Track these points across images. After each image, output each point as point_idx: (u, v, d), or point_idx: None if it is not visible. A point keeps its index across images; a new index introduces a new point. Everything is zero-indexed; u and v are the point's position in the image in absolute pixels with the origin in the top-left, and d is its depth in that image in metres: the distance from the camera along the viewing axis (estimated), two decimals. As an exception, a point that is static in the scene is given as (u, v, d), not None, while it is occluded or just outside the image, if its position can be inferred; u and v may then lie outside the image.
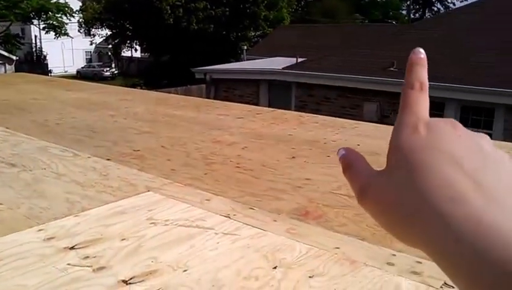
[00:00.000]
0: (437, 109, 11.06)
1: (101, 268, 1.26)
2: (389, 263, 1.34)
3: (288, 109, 11.47)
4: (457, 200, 0.33)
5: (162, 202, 1.74)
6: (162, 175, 2.10)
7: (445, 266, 0.33)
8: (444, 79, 10.51)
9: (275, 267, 1.27)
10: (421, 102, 0.41)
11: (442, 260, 0.33)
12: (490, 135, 10.19)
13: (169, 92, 14.80)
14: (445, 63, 11.15)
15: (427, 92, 0.42)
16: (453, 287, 1.21)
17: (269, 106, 12.18)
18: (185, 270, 1.25)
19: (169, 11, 26.21)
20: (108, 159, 2.35)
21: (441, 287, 1.22)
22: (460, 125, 0.39)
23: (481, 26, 12.14)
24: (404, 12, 47.76)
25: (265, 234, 1.48)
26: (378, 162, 1.70)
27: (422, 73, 0.42)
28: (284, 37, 20.94)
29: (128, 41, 32.92)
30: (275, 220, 1.61)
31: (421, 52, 0.43)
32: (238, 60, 21.23)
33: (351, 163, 0.42)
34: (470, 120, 10.75)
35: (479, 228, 0.31)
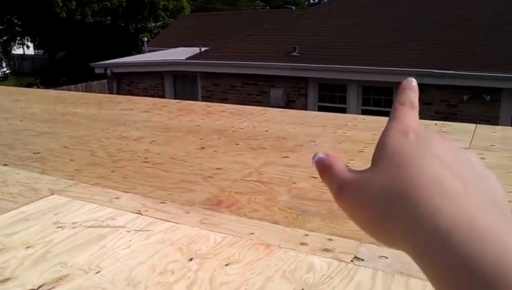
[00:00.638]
0: (340, 90, 11.58)
1: (6, 280, 1.18)
2: (302, 243, 1.38)
3: (195, 99, 11.41)
4: (448, 198, 0.32)
5: (68, 205, 1.65)
6: (66, 176, 2.00)
7: (427, 263, 0.31)
8: (343, 61, 11.01)
9: (191, 259, 1.26)
10: (411, 116, 0.41)
11: (424, 257, 0.31)
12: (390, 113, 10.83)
13: (69, 90, 14.05)
14: (342, 45, 11.67)
15: (417, 111, 0.43)
16: (362, 260, 1.28)
17: (175, 98, 12.01)
18: (97, 272, 1.20)
19: (61, 4, 24.78)
20: (5, 165, 2.19)
21: (352, 261, 1.28)
22: (449, 138, 0.39)
23: (376, 9, 12.84)
24: (304, -2, 49.26)
25: (178, 227, 1.46)
26: (286, 146, 1.76)
27: (412, 95, 0.44)
28: (185, 27, 20.68)
29: (18, 38, 30.67)
30: (188, 212, 1.59)
31: (413, 81, 0.46)
32: (140, 52, 20.65)
33: (330, 164, 0.41)
34: (371, 100, 11.38)
35: (472, 228, 0.30)
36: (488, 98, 9.85)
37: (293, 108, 10.43)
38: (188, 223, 1.49)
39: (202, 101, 10.49)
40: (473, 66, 9.88)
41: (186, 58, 12.75)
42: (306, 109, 10.97)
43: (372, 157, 0.39)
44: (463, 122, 3.19)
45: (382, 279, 1.18)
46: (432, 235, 0.30)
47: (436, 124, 2.91)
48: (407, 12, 12.56)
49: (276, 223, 1.53)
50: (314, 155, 0.43)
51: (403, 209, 0.33)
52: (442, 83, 10.08)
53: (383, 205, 0.34)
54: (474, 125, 2.81)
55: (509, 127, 3.21)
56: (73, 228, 1.47)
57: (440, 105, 10.26)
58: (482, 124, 3.08)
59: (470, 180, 0.34)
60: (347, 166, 0.40)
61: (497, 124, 8.75)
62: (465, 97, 9.99)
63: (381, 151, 0.38)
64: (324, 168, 0.41)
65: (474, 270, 0.28)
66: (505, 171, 2.01)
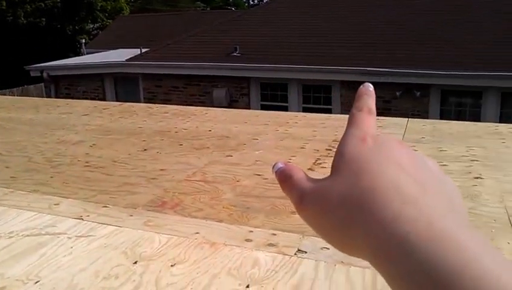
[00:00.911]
0: (281, 89, 11.73)
1: None
2: (247, 240, 1.40)
3: (138, 101, 11.19)
4: (407, 203, 0.32)
5: (4, 214, 1.59)
6: (1, 184, 1.91)
7: (387, 268, 0.31)
8: (283, 60, 11.17)
9: (135, 262, 1.25)
10: (369, 122, 0.41)
11: (385, 263, 0.31)
12: (330, 110, 11.13)
13: (4, 94, 13.39)
14: (282, 45, 11.83)
15: (375, 116, 0.43)
16: (305, 252, 1.32)
17: (117, 100, 11.74)
18: (36, 282, 1.17)
19: (-10, 5, 23.60)
20: None
21: (295, 254, 1.31)
22: (406, 144, 0.39)
23: (315, 9, 13.10)
24: (244, -1, 49.45)
25: (122, 230, 1.44)
26: (229, 145, 1.76)
27: (369, 101, 0.44)
28: (125, 28, 20.24)
29: None
30: (131, 215, 1.57)
31: (370, 86, 0.46)
32: (78, 54, 20.00)
33: (290, 174, 0.40)
34: (311, 98, 11.60)
35: (431, 232, 0.30)
36: (418, 93, 10.41)
37: (236, 108, 10.47)
38: (131, 226, 1.47)
39: (144, 103, 10.32)
40: (405, 64, 10.33)
41: (127, 60, 12.49)
42: (249, 108, 11.03)
43: (332, 165, 0.38)
44: (396, 116, 3.32)
45: (324, 269, 1.22)
46: (391, 240, 0.30)
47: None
48: (345, 12, 12.90)
49: (221, 221, 1.54)
50: (274, 165, 0.42)
51: (363, 215, 0.33)
52: (378, 81, 10.45)
53: (344, 211, 0.34)
54: (407, 119, 2.94)
55: (438, 120, 3.38)
56: (10, 237, 1.41)
57: (376, 101, 10.62)
58: (414, 118, 3.22)
59: (428, 184, 0.34)
60: (307, 175, 0.40)
61: (427, 118, 9.25)
62: (398, 93, 10.47)
63: (340, 158, 0.38)
64: (284, 178, 0.40)
65: (432, 274, 0.28)
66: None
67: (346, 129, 0.41)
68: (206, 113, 3.38)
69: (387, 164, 0.35)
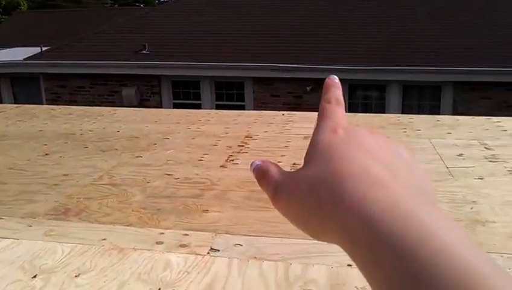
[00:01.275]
0: (194, 87, 11.61)
1: None
2: (158, 242, 1.35)
3: (40, 103, 10.55)
4: (374, 184, 0.33)
5: None
6: None
7: (355, 250, 0.32)
8: (195, 58, 11.07)
9: (35, 276, 1.16)
10: (339, 113, 0.43)
11: (357, 248, 0.32)
12: (243, 107, 11.21)
13: None
14: (193, 42, 11.73)
15: (343, 107, 0.44)
16: (218, 251, 1.30)
17: (15, 102, 10.99)
18: None
19: None
20: None
21: (208, 253, 1.29)
22: (378, 131, 0.41)
23: (227, 6, 13.10)
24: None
25: (19, 243, 1.33)
26: (139, 146, 1.67)
27: (337, 92, 0.45)
28: (23, 25, 18.98)
29: None
30: (30, 226, 1.46)
31: (335, 78, 0.47)
32: (-30, 54, 18.44)
33: (266, 169, 0.41)
34: (224, 95, 11.61)
35: (396, 210, 0.31)
36: None
37: (148, 107, 10.22)
38: (30, 238, 1.37)
39: (47, 104, 9.75)
40: (314, 60, 10.68)
41: (24, 59, 11.72)
42: (161, 107, 10.82)
43: (305, 156, 0.39)
44: (308, 111, 3.41)
45: (237, 266, 1.21)
46: (358, 221, 0.31)
47: (283, 115, 3.07)
48: (256, 10, 13.04)
49: (130, 225, 1.48)
50: (252, 163, 0.43)
51: (333, 200, 0.33)
52: (288, 76, 10.73)
53: (315, 197, 0.35)
54: (316, 113, 3.02)
55: (346, 113, 3.51)
56: None
57: (287, 97, 10.93)
58: (323, 111, 3.31)
59: (396, 168, 0.35)
60: (282, 169, 0.41)
61: None
62: (308, 88, 10.81)
63: (312, 148, 0.39)
64: (261, 174, 0.41)
65: (395, 250, 0.29)
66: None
67: (318, 122, 0.43)
68: (115, 114, 3.25)
69: (357, 150, 0.36)
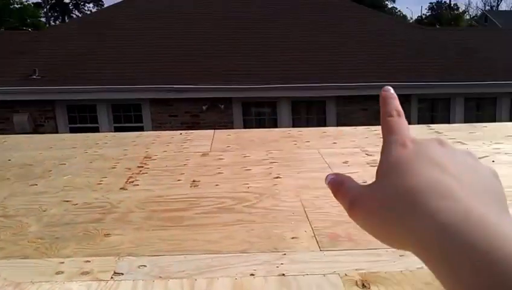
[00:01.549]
0: (90, 110, 11.20)
1: None
2: (58, 272, 1.31)
3: None
4: (445, 197, 0.35)
5: None
6: None
7: (430, 259, 0.34)
8: (90, 81, 10.71)
9: None
10: (402, 125, 0.44)
11: (431, 257, 0.34)
12: (142, 128, 11.01)
13: None
14: (86, 65, 11.34)
15: (404, 117, 0.46)
16: (121, 274, 1.29)
17: None
18: None
19: None
20: None
21: (112, 277, 1.28)
22: (447, 142, 0.43)
23: (114, 30, 12.81)
24: (43, 19, 45.92)
25: None
26: (33, 173, 1.63)
27: (395, 103, 0.47)
28: None
29: None
30: None
31: (390, 89, 0.48)
32: None
33: (340, 182, 0.43)
34: (122, 117, 11.32)
35: (469, 220, 0.32)
36: (223, 106, 11.25)
37: (43, 132, 9.68)
38: None
39: None
40: (209, 80, 10.91)
41: None
42: (57, 132, 10.30)
43: (377, 171, 0.42)
44: (205, 129, 3.47)
45: (143, 288, 1.22)
46: (434, 232, 0.33)
47: (181, 134, 3.10)
48: (152, 30, 12.93)
49: (26, 257, 1.42)
50: (326, 177, 0.46)
51: (409, 214, 0.36)
52: (185, 97, 10.84)
53: (392, 211, 0.37)
54: (213, 131, 3.09)
55: (241, 130, 3.62)
56: None
57: (184, 116, 11.04)
58: (220, 129, 3.41)
59: (464, 177, 0.37)
60: (356, 183, 0.43)
61: (232, 128, 10.01)
62: (204, 107, 11.08)
63: (386, 164, 0.41)
64: (336, 187, 0.44)
65: (468, 256, 0.30)
66: (239, 167, 2.28)
67: (384, 137, 0.45)
68: (5, 142, 3.07)
69: (426, 163, 0.38)
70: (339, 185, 0.44)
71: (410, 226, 0.36)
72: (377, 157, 0.45)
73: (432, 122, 4.41)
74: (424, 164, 0.39)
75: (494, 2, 59.99)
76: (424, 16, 56.74)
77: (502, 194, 0.39)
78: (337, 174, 0.46)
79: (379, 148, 0.45)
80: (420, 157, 0.40)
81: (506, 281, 0.28)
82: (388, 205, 0.38)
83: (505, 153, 2.46)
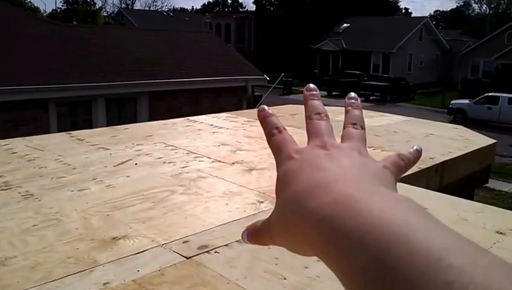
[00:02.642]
0: None
1: None
2: None
3: None
4: (322, 193, 0.37)
5: None
6: None
7: (322, 257, 0.35)
8: None
9: None
10: (286, 140, 0.47)
11: (319, 252, 0.36)
12: None
13: None
14: None
15: (286, 131, 0.49)
16: None
17: None
18: None
19: None
20: None
21: None
22: (334, 144, 0.46)
23: None
24: None
25: None
26: None
27: (274, 121, 0.49)
28: None
29: None
30: None
31: (265, 108, 0.51)
32: None
33: (254, 230, 0.47)
34: None
35: (336, 206, 0.35)
36: None
37: None
38: None
39: None
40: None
41: None
42: None
43: (275, 193, 0.44)
44: None
45: None
46: (314, 228, 0.36)
47: None
48: None
49: None
50: (242, 236, 0.48)
51: (295, 217, 0.39)
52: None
53: (284, 220, 0.41)
54: None
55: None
56: None
57: None
58: None
59: (348, 171, 0.41)
60: (262, 219, 0.46)
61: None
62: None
63: (277, 182, 0.44)
64: (255, 236, 0.47)
65: (343, 241, 0.33)
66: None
67: (275, 158, 0.47)
68: None
69: (310, 169, 0.42)
70: (255, 234, 0.47)
71: (300, 228, 0.38)
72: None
73: (74, 128, 4.25)
74: (309, 170, 0.42)
75: (130, 0, 63.88)
76: (59, 10, 55.20)
77: (389, 178, 0.43)
78: (248, 228, 0.48)
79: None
80: (305, 164, 0.43)
81: (371, 255, 0.30)
82: (283, 216, 0.41)
83: (146, 154, 2.53)
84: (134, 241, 1.44)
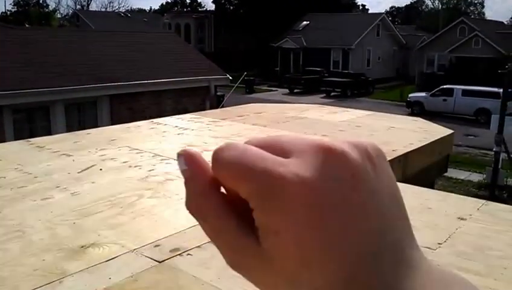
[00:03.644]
0: None
1: None
2: None
3: None
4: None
5: None
6: None
7: None
8: None
9: None
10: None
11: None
12: None
13: None
14: None
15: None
16: None
17: None
18: None
19: None
20: None
21: None
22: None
23: None
24: None
25: None
26: None
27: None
28: None
29: None
30: None
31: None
32: None
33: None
34: None
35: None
36: None
37: None
38: None
39: None
40: None
41: None
42: None
43: None
44: None
45: None
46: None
47: None
48: None
49: None
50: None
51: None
52: None
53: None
54: None
55: None
56: None
57: None
58: None
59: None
60: None
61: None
62: None
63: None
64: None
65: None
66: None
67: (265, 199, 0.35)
68: None
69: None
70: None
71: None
72: None
73: (32, 136, 4.13)
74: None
75: (85, 1, 62.35)
76: (9, 13, 53.33)
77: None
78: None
79: None
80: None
81: None
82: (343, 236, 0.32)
83: (111, 159, 2.48)
84: (104, 249, 1.42)
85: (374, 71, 38.61)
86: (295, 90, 33.93)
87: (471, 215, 1.95)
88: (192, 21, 49.00)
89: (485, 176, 14.00)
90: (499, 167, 12.87)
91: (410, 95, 28.50)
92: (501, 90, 14.45)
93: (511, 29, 41.63)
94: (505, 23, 52.33)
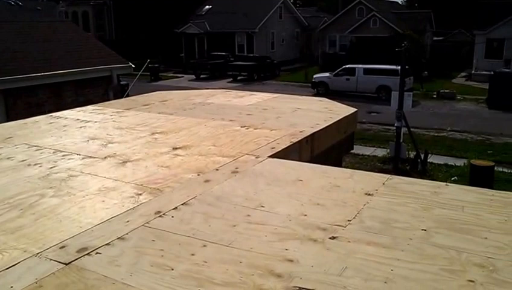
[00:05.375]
0: None
1: None
2: None
3: None
4: None
5: None
6: None
7: None
8: None
9: None
10: None
11: None
12: None
13: None
14: None
15: None
16: None
17: None
18: None
19: None
20: None
21: None
22: None
23: None
24: None
25: None
26: None
27: None
28: None
29: None
30: None
31: None
32: None
33: None
34: None
35: None
36: None
37: None
38: None
39: None
40: None
41: None
42: None
43: None
44: None
45: None
46: None
47: None
48: None
49: None
50: None
51: None
52: None
53: None
54: None
55: None
56: None
57: None
58: None
59: None
60: None
61: None
62: None
63: None
64: None
65: None
66: None
67: None
68: None
69: None
70: None
71: None
72: None
73: None
74: None
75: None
76: None
77: None
78: None
79: None
80: None
81: None
82: None
83: (7, 158, 2.31)
84: (3, 256, 1.32)
85: (278, 54, 39.35)
86: (201, 76, 33.69)
87: (377, 190, 2.06)
88: (90, 8, 46.68)
89: (388, 150, 14.82)
90: (401, 141, 13.68)
91: (314, 76, 29.42)
92: (399, 67, 15.31)
93: (405, 9, 44.29)
94: (400, 3, 55.52)
